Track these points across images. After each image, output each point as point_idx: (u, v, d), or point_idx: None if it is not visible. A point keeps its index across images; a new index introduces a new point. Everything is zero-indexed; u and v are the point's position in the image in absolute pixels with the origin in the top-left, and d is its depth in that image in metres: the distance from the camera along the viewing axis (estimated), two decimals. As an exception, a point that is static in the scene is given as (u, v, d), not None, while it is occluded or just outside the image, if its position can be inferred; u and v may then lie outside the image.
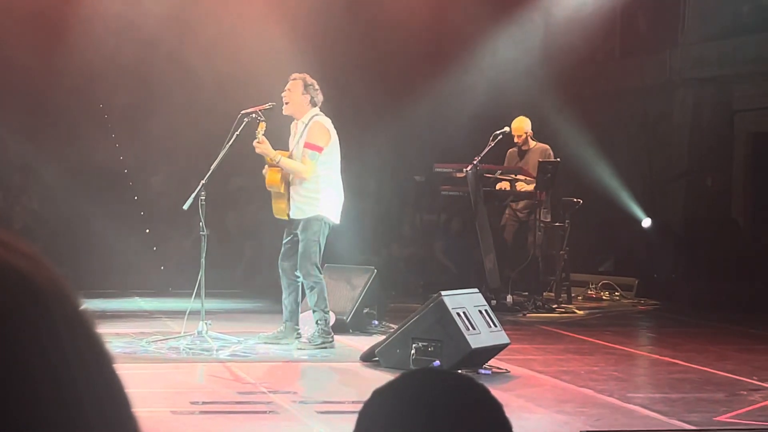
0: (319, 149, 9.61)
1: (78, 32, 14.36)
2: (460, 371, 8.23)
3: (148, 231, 14.93)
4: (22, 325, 0.87)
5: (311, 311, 9.70)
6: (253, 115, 9.62)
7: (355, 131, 10.82)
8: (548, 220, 13.41)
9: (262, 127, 9.53)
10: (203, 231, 9.49)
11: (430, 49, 16.25)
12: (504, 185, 13.47)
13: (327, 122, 9.76)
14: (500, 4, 16.30)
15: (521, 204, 13.60)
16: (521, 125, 13.51)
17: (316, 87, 9.75)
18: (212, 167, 9.60)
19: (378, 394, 1.58)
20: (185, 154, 14.67)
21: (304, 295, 9.78)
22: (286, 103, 9.74)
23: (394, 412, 1.55)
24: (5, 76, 14.58)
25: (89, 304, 12.23)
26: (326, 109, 9.89)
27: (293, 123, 9.85)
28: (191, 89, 14.58)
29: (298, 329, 9.82)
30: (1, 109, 14.51)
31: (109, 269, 14.09)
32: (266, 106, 9.77)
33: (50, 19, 14.48)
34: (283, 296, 9.90)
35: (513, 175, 13.41)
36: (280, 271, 9.92)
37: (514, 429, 1.53)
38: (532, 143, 13.61)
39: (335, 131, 9.83)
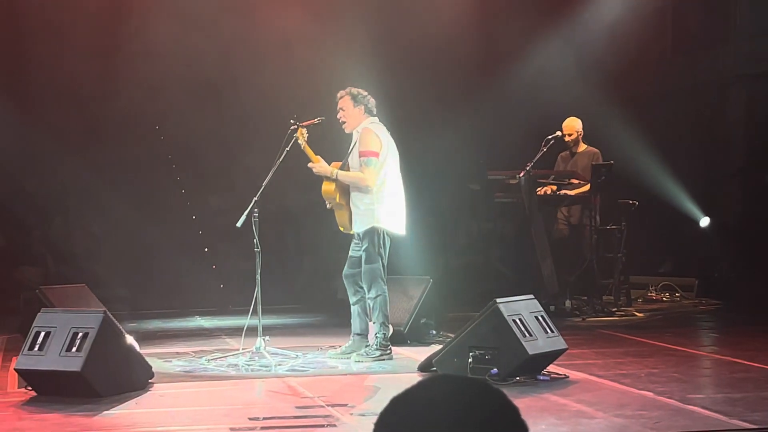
0: (375, 154, 9.49)
1: (131, 56, 14.51)
2: (517, 378, 8.25)
3: (207, 250, 15.03)
4: None
5: (372, 323, 9.72)
6: (293, 124, 9.62)
7: (407, 141, 10.78)
8: (598, 223, 13.28)
9: (301, 134, 9.53)
10: (257, 248, 9.53)
11: (480, 56, 16.21)
12: (547, 189, 13.36)
13: (378, 129, 9.64)
14: (549, 6, 16.24)
15: (572, 207, 13.53)
16: (573, 123, 13.47)
17: (364, 94, 9.66)
18: (264, 183, 9.61)
19: (395, 401, 1.60)
20: (242, 171, 14.75)
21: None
22: (344, 123, 9.67)
23: (411, 418, 1.56)
24: (60, 99, 14.76)
25: (150, 325, 12.36)
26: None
27: None
28: (244, 106, 14.67)
29: (368, 342, 9.80)
30: (59, 131, 14.70)
31: (169, 289, 14.22)
32: (315, 121, 9.75)
33: (106, 45, 14.63)
34: (351, 308, 9.91)
35: (567, 180, 13.34)
36: (344, 281, 9.94)
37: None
38: (583, 146, 13.54)
39: (390, 139, 9.73)
